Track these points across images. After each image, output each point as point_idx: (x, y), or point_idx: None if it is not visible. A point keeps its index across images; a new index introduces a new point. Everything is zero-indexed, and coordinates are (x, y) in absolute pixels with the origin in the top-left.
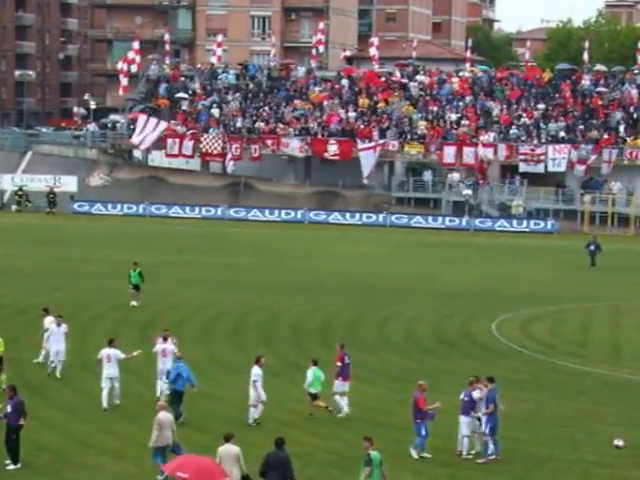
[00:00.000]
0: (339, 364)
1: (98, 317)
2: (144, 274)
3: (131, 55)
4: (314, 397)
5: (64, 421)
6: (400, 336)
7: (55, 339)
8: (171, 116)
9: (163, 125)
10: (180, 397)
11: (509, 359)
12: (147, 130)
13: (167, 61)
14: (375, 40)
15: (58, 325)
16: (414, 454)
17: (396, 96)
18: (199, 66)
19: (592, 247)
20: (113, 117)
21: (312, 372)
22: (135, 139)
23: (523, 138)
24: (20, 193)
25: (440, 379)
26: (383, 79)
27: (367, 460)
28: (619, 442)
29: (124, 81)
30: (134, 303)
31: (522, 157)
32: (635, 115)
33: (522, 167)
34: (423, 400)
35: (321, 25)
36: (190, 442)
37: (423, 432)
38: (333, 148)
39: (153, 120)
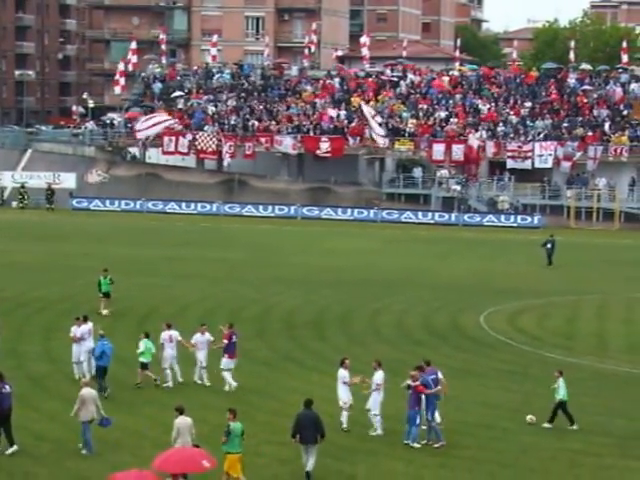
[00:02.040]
0: (225, 342)
1: (97, 310)
2: (115, 280)
3: (128, 55)
4: (144, 366)
5: (64, 412)
6: (391, 328)
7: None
8: (167, 114)
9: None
10: (104, 372)
11: (497, 351)
12: (149, 124)
13: (163, 61)
14: (366, 40)
15: (79, 327)
16: (416, 444)
17: (386, 94)
18: (195, 68)
19: (549, 245)
20: (111, 115)
21: (144, 343)
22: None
23: (511, 135)
24: (22, 190)
25: None
26: (373, 78)
27: (227, 431)
28: (530, 418)
29: (122, 80)
30: (105, 311)
31: (510, 154)
32: (619, 113)
33: (509, 164)
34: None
35: (313, 25)
36: None
37: (418, 421)
38: (325, 145)
39: (157, 117)
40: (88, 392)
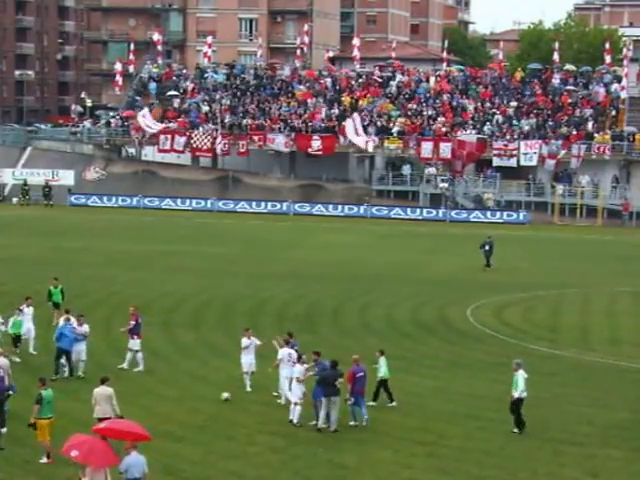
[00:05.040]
0: (132, 323)
1: (94, 304)
2: (65, 291)
3: (125, 56)
4: (16, 339)
5: (59, 401)
6: (380, 321)
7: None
8: (163, 113)
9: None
10: (65, 354)
11: (483, 343)
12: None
13: (159, 61)
14: (356, 41)
15: (80, 325)
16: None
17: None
18: (185, 71)
19: (487, 247)
20: (110, 113)
21: (12, 319)
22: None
23: (497, 134)
24: (26, 188)
25: (418, 362)
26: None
27: (39, 399)
28: (225, 396)
29: (119, 80)
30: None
31: (496, 152)
32: (603, 112)
33: (496, 162)
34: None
35: (305, 27)
36: (181, 422)
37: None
38: (317, 143)
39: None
40: (2, 361)
